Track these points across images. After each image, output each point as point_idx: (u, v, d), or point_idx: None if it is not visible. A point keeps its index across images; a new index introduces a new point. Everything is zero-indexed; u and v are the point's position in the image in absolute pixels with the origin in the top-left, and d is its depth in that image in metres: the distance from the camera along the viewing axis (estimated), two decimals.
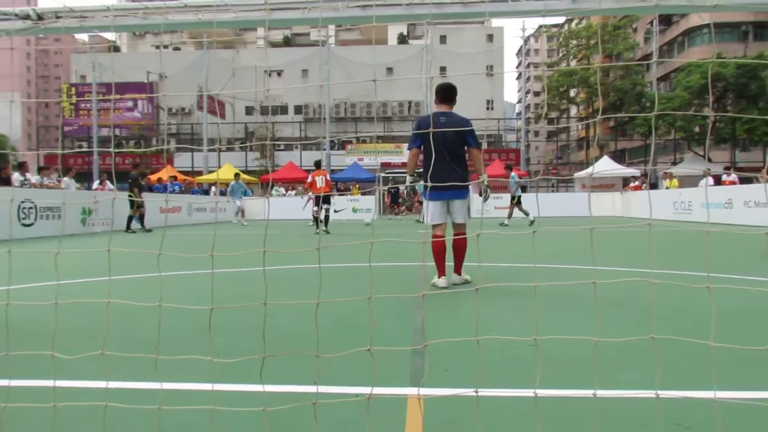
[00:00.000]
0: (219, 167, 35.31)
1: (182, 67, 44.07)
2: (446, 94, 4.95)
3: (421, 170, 5.17)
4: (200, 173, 35.83)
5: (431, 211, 4.92)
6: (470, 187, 5.14)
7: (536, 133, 65.24)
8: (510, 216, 15.29)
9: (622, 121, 42.17)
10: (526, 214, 15.33)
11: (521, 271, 5.90)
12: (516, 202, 14.99)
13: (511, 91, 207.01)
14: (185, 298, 4.41)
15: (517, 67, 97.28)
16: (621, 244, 9.11)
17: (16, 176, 12.82)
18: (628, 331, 3.32)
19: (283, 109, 46.65)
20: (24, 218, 12.01)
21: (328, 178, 12.04)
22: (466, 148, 4.91)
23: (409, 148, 4.96)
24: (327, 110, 34.69)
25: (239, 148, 41.12)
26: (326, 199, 11.36)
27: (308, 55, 46.24)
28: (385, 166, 37.95)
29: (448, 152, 4.82)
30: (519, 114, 69.22)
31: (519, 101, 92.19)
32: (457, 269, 5.00)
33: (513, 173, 15.09)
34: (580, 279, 5.20)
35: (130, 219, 14.44)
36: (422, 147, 4.86)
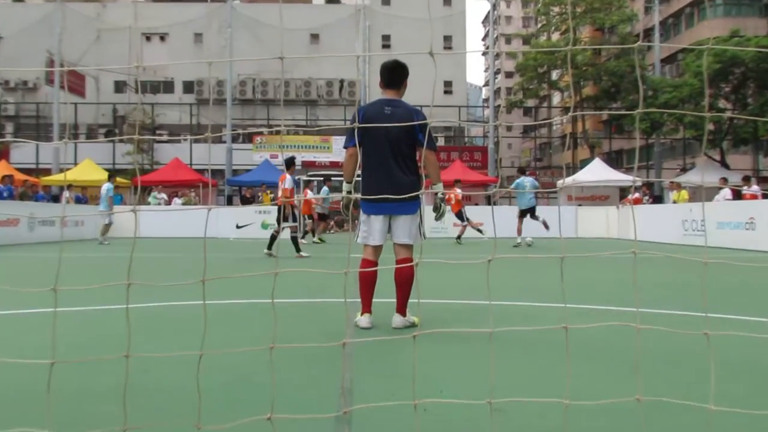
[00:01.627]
0: (75, 164, 34.94)
1: (26, 24, 43.51)
2: (393, 75, 5.10)
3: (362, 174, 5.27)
4: (48, 172, 35.45)
5: (366, 227, 5.08)
6: (421, 198, 5.17)
7: (508, 128, 65.53)
8: (519, 232, 16.69)
9: (616, 115, 43.38)
10: (544, 225, 16.58)
11: (477, 310, 6.05)
12: (521, 215, 16.35)
13: (476, 71, 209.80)
14: (16, 347, 4.36)
15: (483, 40, 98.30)
16: (609, 274, 9.34)
17: None
18: (609, 389, 3.42)
19: (168, 86, 45.99)
20: None
21: (287, 185, 12.36)
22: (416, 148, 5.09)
23: (345, 147, 5.11)
24: (229, 89, 34.34)
25: (105, 138, 40.68)
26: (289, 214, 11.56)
27: (203, 13, 46.14)
28: (308, 166, 37.93)
29: (392, 153, 4.98)
30: (486, 101, 69.20)
31: (486, 84, 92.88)
32: (401, 308, 5.12)
33: (526, 177, 16.22)
34: (550, 321, 5.36)
35: None
36: (362, 145, 4.99)
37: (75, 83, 40.33)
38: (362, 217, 5.14)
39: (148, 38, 45.62)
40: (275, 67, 43.86)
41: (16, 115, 44.17)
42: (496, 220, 19.34)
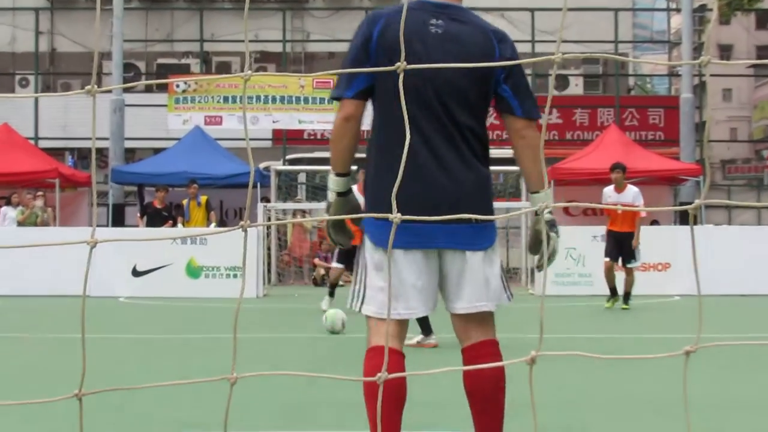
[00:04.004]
0: None
1: None
2: None
3: (370, 161, 4.12)
4: None
5: (379, 277, 4.03)
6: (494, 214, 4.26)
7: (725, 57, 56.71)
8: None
9: None
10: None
11: None
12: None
13: None
14: None
15: None
16: None
17: None
18: None
19: None
20: None
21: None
22: (492, 111, 4.37)
23: (335, 98, 4.10)
24: None
25: None
26: None
27: None
28: (292, 141, 32.33)
29: (445, 120, 3.98)
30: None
31: None
32: None
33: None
34: None
35: None
36: (375, 98, 4.01)
37: None
38: (370, 253, 4.00)
39: None
40: None
41: None
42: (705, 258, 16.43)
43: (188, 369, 8.74)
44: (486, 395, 4.04)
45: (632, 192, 15.50)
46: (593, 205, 17.16)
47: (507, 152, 21.47)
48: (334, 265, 15.67)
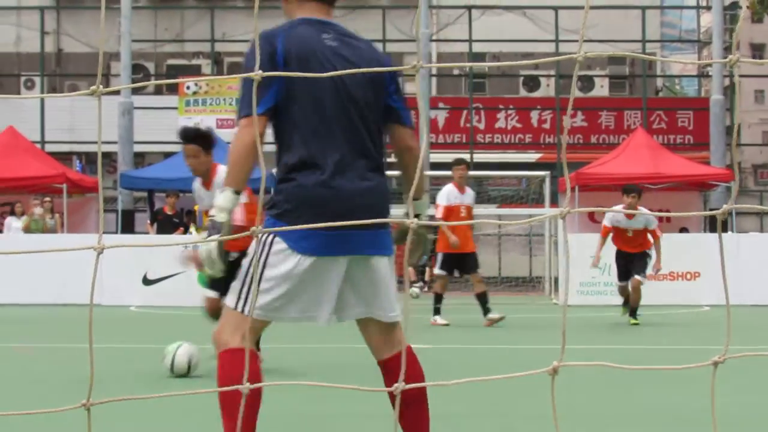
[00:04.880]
0: None
1: None
2: None
3: (279, 174, 4.26)
4: None
5: (276, 282, 4.15)
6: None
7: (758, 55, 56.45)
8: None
9: None
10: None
11: None
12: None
13: None
14: None
15: None
16: None
17: None
18: None
19: None
20: None
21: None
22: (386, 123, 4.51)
23: (242, 116, 4.15)
24: None
25: None
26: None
27: None
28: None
29: (359, 125, 4.24)
30: None
31: None
32: None
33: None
34: None
35: None
36: (282, 110, 4.19)
37: None
38: (270, 256, 4.15)
39: None
40: None
41: None
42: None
43: (200, 378, 8.81)
44: (417, 399, 4.16)
45: (643, 219, 15.18)
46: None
47: (530, 157, 21.07)
48: (438, 272, 15.63)
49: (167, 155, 28.19)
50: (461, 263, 14.74)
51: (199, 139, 8.74)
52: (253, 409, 4.10)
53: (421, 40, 28.41)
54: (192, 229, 22.35)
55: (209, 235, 4.10)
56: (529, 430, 5.05)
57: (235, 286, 4.13)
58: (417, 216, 4.13)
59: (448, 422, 5.51)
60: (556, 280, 20.19)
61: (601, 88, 36.05)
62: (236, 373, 3.88)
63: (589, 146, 30.05)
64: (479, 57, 31.29)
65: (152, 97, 32.37)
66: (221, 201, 3.99)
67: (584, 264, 17.53)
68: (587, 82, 33.04)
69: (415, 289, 23.10)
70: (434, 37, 31.48)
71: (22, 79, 34.30)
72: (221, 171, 8.44)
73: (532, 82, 33.40)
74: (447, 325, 14.13)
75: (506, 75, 36.12)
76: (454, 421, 5.64)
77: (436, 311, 14.71)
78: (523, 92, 33.81)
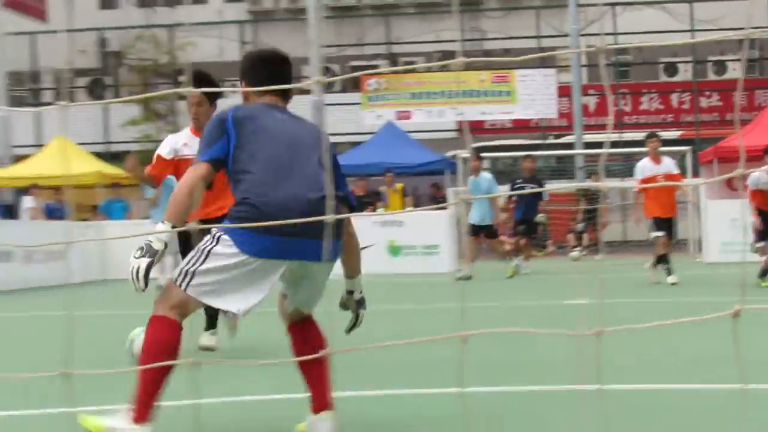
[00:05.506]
0: (39, 145, 32.28)
1: None
2: (285, 73, 4.88)
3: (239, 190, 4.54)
4: None
5: (224, 272, 4.38)
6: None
7: None
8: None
9: None
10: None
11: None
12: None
13: None
14: None
15: None
16: None
17: None
18: None
19: None
20: None
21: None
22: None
23: (199, 159, 4.58)
24: None
25: (86, 93, 39.63)
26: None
27: None
28: (474, 129, 33.84)
29: (306, 153, 4.62)
30: None
31: None
32: (325, 401, 4.62)
33: None
34: None
35: None
36: (238, 152, 4.53)
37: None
38: (224, 251, 4.31)
39: None
40: None
41: None
42: None
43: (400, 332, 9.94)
44: (319, 360, 4.52)
45: None
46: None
47: (672, 134, 22.83)
48: (655, 234, 15.52)
49: (354, 144, 31.21)
50: (668, 226, 14.94)
51: (206, 84, 8.56)
52: (168, 371, 4.33)
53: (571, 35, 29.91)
54: (379, 207, 23.88)
55: (141, 256, 4.24)
56: (706, 372, 6.31)
57: (181, 265, 4.43)
58: (351, 293, 4.78)
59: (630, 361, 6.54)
60: (700, 240, 21.12)
61: (734, 71, 36.94)
62: (161, 337, 4.36)
63: (724, 123, 31.19)
64: (623, 49, 32.62)
65: (339, 95, 34.86)
66: (161, 232, 4.30)
67: (724, 226, 18.74)
68: (720, 66, 34.40)
69: (575, 253, 24.25)
70: (583, 32, 32.70)
71: (227, 84, 36.86)
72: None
73: (672, 68, 34.69)
74: (675, 284, 14.26)
75: (647, 63, 37.50)
76: (632, 364, 6.55)
77: (668, 272, 14.81)
78: (663, 77, 35.05)
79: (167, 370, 4.24)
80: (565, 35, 31.78)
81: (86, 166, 27.18)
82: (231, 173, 4.51)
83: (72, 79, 41.15)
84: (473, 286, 16.91)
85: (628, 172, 25.12)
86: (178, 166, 8.15)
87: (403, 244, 21.41)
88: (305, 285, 4.58)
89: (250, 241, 4.29)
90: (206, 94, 8.17)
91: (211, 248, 4.31)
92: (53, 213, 23.60)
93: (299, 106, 28.48)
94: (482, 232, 18.32)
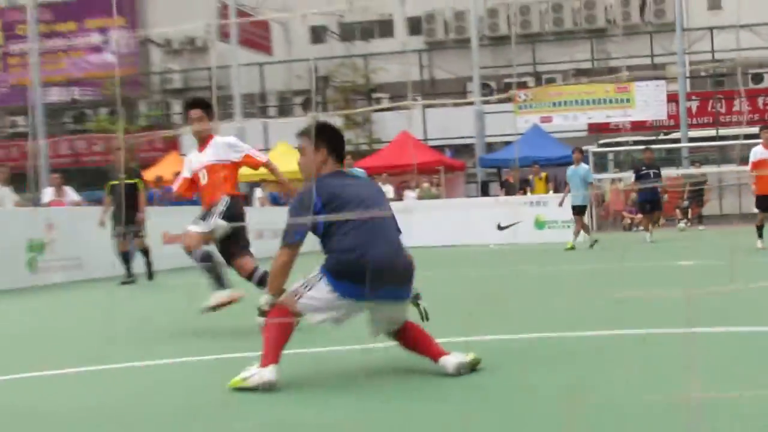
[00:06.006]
0: (266, 149, 32.63)
1: None
2: (341, 143, 5.48)
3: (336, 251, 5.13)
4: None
5: (338, 310, 5.13)
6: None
7: None
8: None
9: None
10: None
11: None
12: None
13: None
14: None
15: None
16: None
17: None
18: None
19: (385, 28, 42.97)
20: None
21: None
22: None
23: (289, 243, 5.16)
24: (474, 23, 32.99)
25: (301, 109, 41.41)
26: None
27: None
28: (598, 131, 35.52)
29: (386, 221, 5.24)
30: None
31: None
32: (437, 351, 5.21)
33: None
34: None
35: (125, 257, 15.03)
36: (331, 227, 5.10)
37: (257, 35, 39.32)
38: (329, 291, 5.04)
39: None
40: None
41: (185, 87, 42.71)
42: None
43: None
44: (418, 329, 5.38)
45: None
46: None
47: (756, 131, 23.41)
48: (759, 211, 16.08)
49: (507, 143, 34.55)
50: None
51: (202, 104, 8.61)
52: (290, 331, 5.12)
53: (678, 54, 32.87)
54: (526, 192, 25.98)
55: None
56: None
57: (297, 286, 5.13)
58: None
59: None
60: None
61: None
62: (283, 315, 5.09)
63: None
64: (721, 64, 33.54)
65: (496, 105, 36.56)
66: (263, 301, 5.23)
67: None
68: None
69: (682, 224, 26.05)
70: (687, 51, 35.10)
71: (403, 100, 39.24)
72: (217, 140, 8.57)
73: (758, 77, 36.52)
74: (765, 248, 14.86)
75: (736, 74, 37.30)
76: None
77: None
78: (751, 84, 36.36)
79: (289, 330, 5.06)
80: (673, 53, 34.44)
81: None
82: (322, 235, 5.18)
83: (290, 98, 44.17)
84: (597, 252, 18.18)
85: (724, 160, 29.80)
86: (193, 180, 8.67)
87: (547, 219, 23.27)
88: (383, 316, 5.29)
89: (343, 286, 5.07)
90: (205, 110, 8.35)
91: (325, 286, 5.08)
92: (276, 201, 24.80)
93: (464, 115, 34.42)
94: (583, 211, 19.75)
